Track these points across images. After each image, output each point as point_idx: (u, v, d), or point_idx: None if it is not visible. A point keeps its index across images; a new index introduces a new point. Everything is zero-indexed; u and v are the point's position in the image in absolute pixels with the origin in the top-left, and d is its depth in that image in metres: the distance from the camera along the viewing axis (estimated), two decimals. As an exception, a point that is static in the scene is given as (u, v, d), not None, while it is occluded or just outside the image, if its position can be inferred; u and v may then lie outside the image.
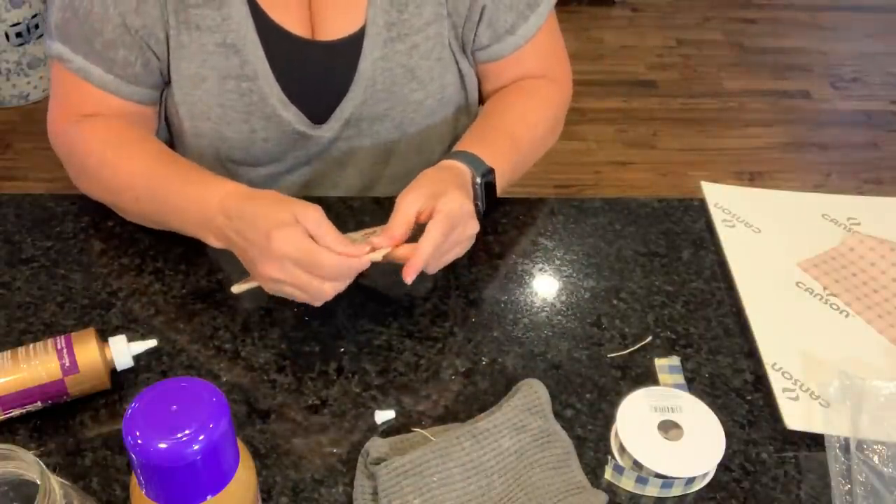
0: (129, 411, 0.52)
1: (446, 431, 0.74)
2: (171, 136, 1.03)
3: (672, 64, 2.87)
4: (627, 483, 0.71)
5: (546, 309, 0.87)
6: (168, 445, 0.51)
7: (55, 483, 0.53)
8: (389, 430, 0.75)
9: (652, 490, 0.71)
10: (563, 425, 0.75)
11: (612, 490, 0.71)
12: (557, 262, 0.93)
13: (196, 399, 0.53)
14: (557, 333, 0.85)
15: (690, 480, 0.71)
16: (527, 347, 0.83)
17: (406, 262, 0.78)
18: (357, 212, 0.97)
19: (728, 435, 0.73)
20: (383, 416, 0.76)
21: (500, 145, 0.94)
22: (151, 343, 0.78)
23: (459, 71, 1.02)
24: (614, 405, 0.76)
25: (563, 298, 0.89)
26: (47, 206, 0.97)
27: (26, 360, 0.73)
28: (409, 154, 1.05)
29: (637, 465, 0.71)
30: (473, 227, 0.83)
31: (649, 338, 0.85)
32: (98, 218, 0.95)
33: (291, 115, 0.97)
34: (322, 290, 0.76)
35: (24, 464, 0.52)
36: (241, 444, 0.58)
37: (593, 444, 0.75)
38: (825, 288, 0.89)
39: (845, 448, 0.73)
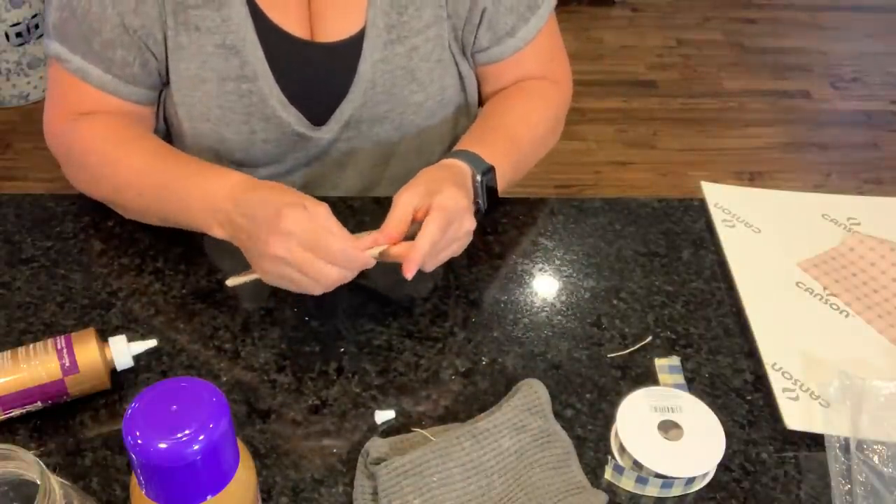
0: (129, 411, 0.52)
1: (446, 431, 0.74)
2: (170, 137, 1.03)
3: (672, 64, 2.87)
4: (627, 483, 0.71)
5: (546, 309, 0.87)
6: (168, 445, 0.51)
7: (55, 483, 0.53)
8: (389, 430, 0.75)
9: (652, 490, 0.71)
10: (563, 425, 0.75)
11: (612, 490, 0.71)
12: (557, 262, 0.93)
13: (196, 399, 0.53)
14: (557, 333, 0.85)
15: (690, 480, 0.71)
16: (527, 347, 0.83)
17: (404, 259, 0.78)
18: (357, 212, 0.97)
19: (728, 435, 0.73)
20: (383, 416, 0.76)
21: (501, 144, 0.94)
22: (151, 343, 0.78)
23: (459, 73, 1.02)
24: (614, 405, 0.76)
25: (563, 298, 0.89)
26: (47, 206, 0.97)
27: (26, 360, 0.73)
28: (408, 156, 1.05)
29: (637, 465, 0.71)
30: (470, 223, 0.82)
31: (649, 338, 0.85)
32: (98, 218, 0.95)
33: (291, 117, 0.97)
34: (326, 274, 0.76)
35: (24, 464, 0.52)
36: (241, 444, 0.58)
37: (593, 444, 0.75)
38: (825, 288, 0.89)
39: (845, 448, 0.73)
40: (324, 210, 0.77)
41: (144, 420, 0.52)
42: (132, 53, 0.91)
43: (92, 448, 0.73)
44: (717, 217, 0.98)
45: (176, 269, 0.90)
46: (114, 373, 0.77)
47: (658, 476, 0.70)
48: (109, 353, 0.76)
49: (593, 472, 0.73)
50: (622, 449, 0.72)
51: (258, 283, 0.80)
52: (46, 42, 0.92)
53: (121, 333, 0.78)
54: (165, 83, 0.96)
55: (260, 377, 0.79)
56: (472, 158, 0.89)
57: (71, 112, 0.93)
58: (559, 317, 0.87)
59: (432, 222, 0.78)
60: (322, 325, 0.84)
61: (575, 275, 0.91)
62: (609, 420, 0.76)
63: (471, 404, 0.78)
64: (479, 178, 0.88)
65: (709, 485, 0.72)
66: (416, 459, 0.69)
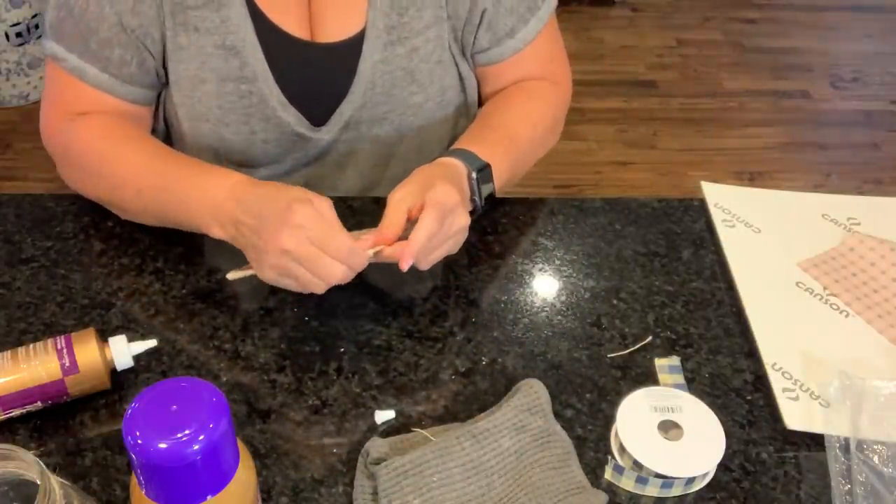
0: (129, 411, 0.52)
1: (446, 431, 0.74)
2: (169, 137, 1.03)
3: (672, 64, 2.87)
4: (627, 483, 0.71)
5: (546, 309, 0.87)
6: (168, 445, 0.51)
7: (55, 483, 0.53)
8: (389, 430, 0.75)
9: (652, 490, 0.71)
10: (563, 425, 0.75)
11: (612, 490, 0.71)
12: (557, 262, 0.93)
13: (196, 399, 0.53)
14: (557, 333, 0.85)
15: (690, 480, 0.71)
16: (527, 347, 0.83)
17: (400, 251, 0.78)
18: (357, 212, 0.97)
19: (728, 435, 0.73)
20: (383, 416, 0.76)
21: (499, 143, 0.94)
22: (151, 343, 0.78)
23: (459, 73, 1.02)
24: (614, 405, 0.76)
25: (563, 298, 0.89)
26: (47, 206, 0.97)
27: (26, 360, 0.73)
28: (408, 156, 1.05)
29: (637, 465, 0.71)
30: (463, 219, 0.82)
31: (649, 338, 0.85)
32: (98, 218, 0.95)
33: (291, 117, 0.97)
34: (331, 272, 0.76)
35: (24, 464, 0.52)
36: (241, 444, 0.58)
37: (593, 444, 0.75)
38: (825, 288, 0.89)
39: (845, 448, 0.73)
40: (328, 204, 0.77)
41: (144, 420, 0.52)
42: (129, 53, 0.91)
43: (92, 448, 0.73)
44: (717, 217, 0.98)
45: (176, 269, 0.90)
46: (114, 373, 0.77)
47: (658, 476, 0.70)
48: (109, 353, 0.76)
49: (593, 472, 0.73)
50: (622, 449, 0.72)
51: (258, 277, 0.80)
52: (44, 41, 0.92)
53: (121, 333, 0.78)
54: (164, 83, 0.96)
55: (260, 377, 0.79)
56: (467, 156, 0.89)
57: (68, 111, 0.93)
58: (559, 317, 0.87)
59: (428, 216, 0.78)
60: (322, 325, 0.84)
61: (575, 275, 0.91)
62: (609, 420, 0.76)
63: (471, 404, 0.78)
64: (474, 175, 0.88)
65: (709, 485, 0.72)
66: (416, 459, 0.69)
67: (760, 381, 0.81)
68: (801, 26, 3.10)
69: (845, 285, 0.89)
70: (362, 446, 0.73)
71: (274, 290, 0.85)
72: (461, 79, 1.03)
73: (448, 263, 0.91)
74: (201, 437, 0.51)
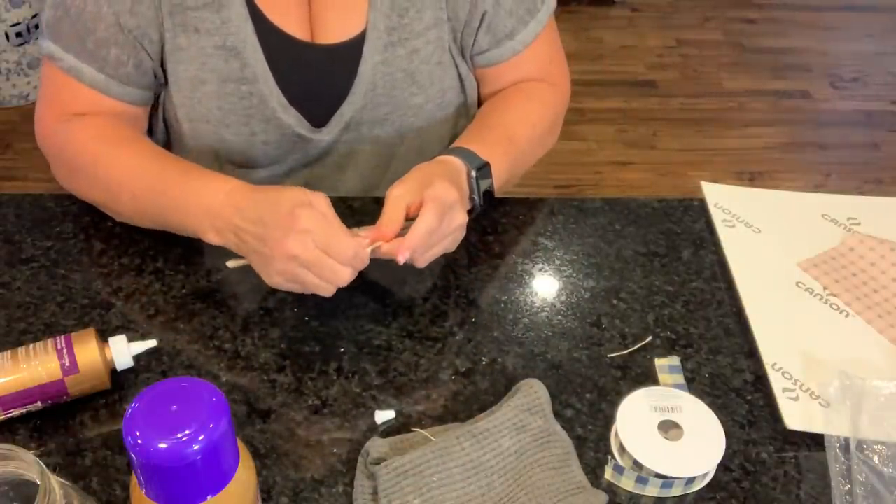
0: (129, 411, 0.52)
1: (446, 431, 0.74)
2: (169, 138, 1.03)
3: (672, 64, 2.87)
4: (627, 483, 0.71)
5: (546, 309, 0.87)
6: (168, 445, 0.51)
7: (55, 483, 0.53)
8: (389, 430, 0.75)
9: (652, 490, 0.71)
10: (563, 425, 0.75)
11: (612, 490, 0.71)
12: (557, 262, 0.93)
13: (196, 399, 0.53)
14: (557, 333, 0.85)
15: (690, 480, 0.71)
16: (527, 347, 0.83)
17: (398, 244, 0.78)
18: (357, 212, 0.97)
19: (728, 435, 0.73)
20: (383, 416, 0.76)
21: (498, 143, 0.94)
22: (151, 343, 0.78)
23: (459, 75, 1.02)
24: (614, 405, 0.76)
25: (563, 298, 0.89)
26: (47, 206, 0.97)
27: (26, 360, 0.73)
28: (409, 157, 1.05)
29: (637, 465, 0.71)
30: (461, 216, 0.82)
31: (649, 338, 0.85)
32: (98, 218, 0.95)
33: (291, 118, 0.96)
34: (340, 275, 0.76)
35: (24, 464, 0.52)
36: (241, 444, 0.58)
37: (593, 444, 0.75)
38: (825, 288, 0.89)
39: (845, 448, 0.73)
40: (327, 202, 0.77)
41: (144, 420, 0.52)
42: (126, 53, 0.91)
43: (92, 448, 0.73)
44: (717, 217, 0.98)
45: (176, 269, 0.90)
46: (114, 373, 0.77)
47: (658, 476, 0.70)
48: (109, 353, 0.76)
49: (593, 472, 0.73)
50: (622, 449, 0.72)
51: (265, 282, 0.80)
52: (40, 40, 0.92)
53: (121, 333, 0.78)
54: (163, 84, 0.96)
55: (260, 377, 0.79)
56: (466, 155, 0.89)
57: (63, 112, 0.93)
58: (559, 317, 0.87)
59: (428, 212, 0.78)
60: (322, 325, 0.84)
61: (575, 275, 0.91)
62: (609, 420, 0.76)
63: (471, 404, 0.78)
64: (473, 173, 0.88)
65: (709, 485, 0.72)
66: (416, 459, 0.69)
67: (760, 381, 0.81)
68: (801, 26, 3.10)
69: (845, 285, 0.89)
70: (362, 446, 0.73)
71: (274, 290, 0.85)
72: (461, 80, 1.03)
73: (448, 263, 0.91)
74: (201, 437, 0.51)
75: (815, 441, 0.75)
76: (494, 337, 0.84)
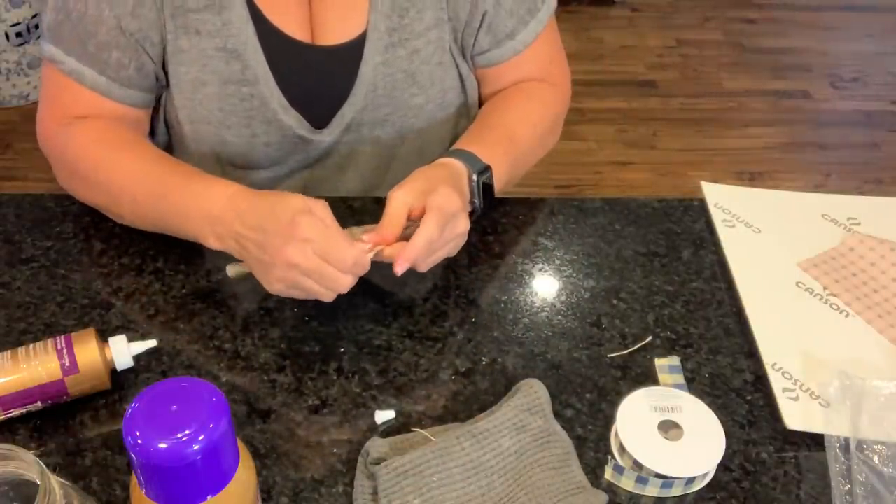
0: (129, 411, 0.52)
1: (446, 431, 0.74)
2: (170, 140, 1.03)
3: (672, 64, 2.87)
4: (627, 483, 0.71)
5: (546, 309, 0.87)
6: (168, 445, 0.51)
7: (55, 483, 0.53)
8: (389, 430, 0.75)
9: (652, 490, 0.71)
10: (563, 425, 0.75)
11: (612, 490, 0.71)
12: (557, 262, 0.93)
13: (196, 399, 0.53)
14: (557, 333, 0.85)
15: (690, 480, 0.71)
16: (527, 347, 0.83)
17: (397, 256, 0.78)
18: (357, 212, 0.97)
19: (728, 435, 0.73)
20: (383, 416, 0.76)
21: (498, 144, 0.94)
22: (151, 343, 0.78)
23: (460, 75, 1.02)
24: (614, 405, 0.76)
25: (563, 298, 0.89)
26: (47, 206, 0.97)
27: (26, 360, 0.73)
28: (409, 158, 1.05)
29: (637, 465, 0.71)
30: (464, 224, 0.82)
31: (649, 338, 0.85)
32: (98, 218, 0.95)
33: (292, 120, 0.96)
34: (341, 283, 0.76)
35: (24, 464, 0.52)
36: (241, 444, 0.58)
37: (593, 444, 0.75)
38: (825, 288, 0.89)
39: (845, 448, 0.73)
40: (327, 209, 0.77)
41: (144, 420, 0.52)
42: (127, 56, 0.91)
43: (92, 448, 0.73)
44: (717, 217, 0.98)
45: (176, 269, 0.90)
46: (114, 373, 0.77)
47: (658, 476, 0.70)
48: (109, 353, 0.76)
49: (593, 472, 0.73)
50: (622, 449, 0.72)
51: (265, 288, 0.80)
52: (42, 43, 0.92)
53: (121, 333, 0.78)
54: (165, 86, 0.96)
55: (260, 377, 0.79)
56: (468, 157, 0.89)
57: (64, 114, 0.93)
58: (559, 317, 0.87)
59: (429, 221, 0.78)
60: (322, 325, 0.84)
61: (575, 275, 0.91)
62: (609, 420, 0.76)
63: (471, 404, 0.78)
64: (474, 177, 0.88)
65: (709, 485, 0.72)
66: (416, 459, 0.69)
67: (760, 381, 0.81)
68: (801, 26, 3.10)
69: (845, 285, 0.89)
70: (362, 446, 0.73)
71: (274, 290, 0.86)
72: (462, 80, 1.03)
73: (448, 263, 0.91)
74: (201, 437, 0.51)
75: (815, 441, 0.75)
76: (494, 337, 0.84)
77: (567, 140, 1.09)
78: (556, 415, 0.76)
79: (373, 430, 0.75)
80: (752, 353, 0.83)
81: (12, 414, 0.73)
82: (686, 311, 0.88)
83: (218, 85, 0.93)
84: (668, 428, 0.73)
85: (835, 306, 0.88)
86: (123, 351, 0.76)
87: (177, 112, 0.96)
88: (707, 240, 0.96)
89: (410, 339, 0.83)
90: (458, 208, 0.81)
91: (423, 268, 0.81)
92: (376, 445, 0.72)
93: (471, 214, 0.88)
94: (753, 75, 2.82)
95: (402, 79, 0.97)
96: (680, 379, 0.80)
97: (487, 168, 0.89)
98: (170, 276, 0.89)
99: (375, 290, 0.88)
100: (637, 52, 2.92)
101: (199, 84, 0.93)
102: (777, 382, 0.79)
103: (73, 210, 0.96)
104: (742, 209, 0.98)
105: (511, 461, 0.71)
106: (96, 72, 0.91)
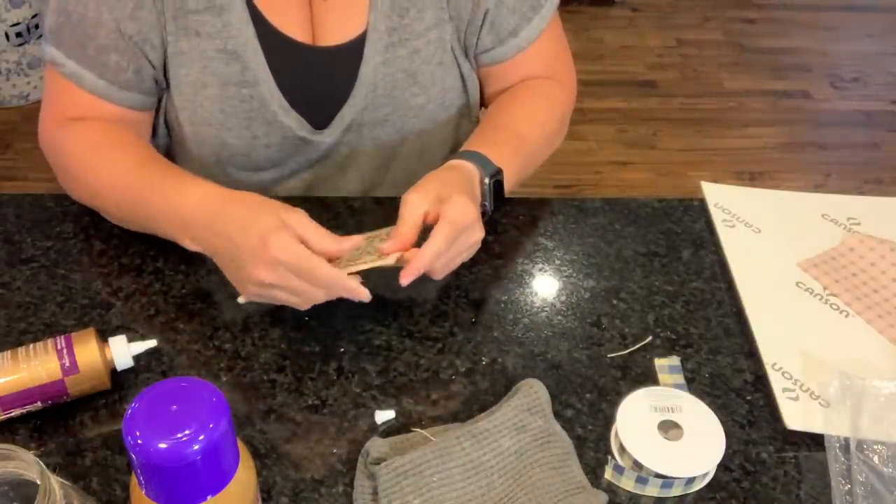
0: (129, 411, 0.53)
1: (446, 431, 0.74)
2: (171, 142, 1.03)
3: (672, 64, 2.87)
4: (627, 483, 0.71)
5: (546, 309, 0.87)
6: (168, 445, 0.51)
7: (55, 483, 0.53)
8: (389, 430, 0.75)
9: (652, 490, 0.71)
10: (563, 425, 0.75)
11: (612, 490, 0.71)
12: (557, 262, 0.93)
13: (196, 399, 0.53)
14: (557, 333, 0.85)
15: (690, 480, 0.71)
16: (527, 347, 0.83)
17: (405, 266, 0.77)
18: (357, 212, 0.97)
19: (728, 435, 0.73)
20: (383, 416, 0.76)
21: (508, 145, 0.94)
22: (151, 343, 0.78)
23: (461, 75, 1.02)
24: (614, 405, 0.76)
25: (563, 298, 0.89)
26: (47, 206, 0.97)
27: (26, 360, 0.73)
28: (410, 158, 1.05)
29: (637, 465, 0.71)
30: (479, 233, 0.82)
31: (649, 338, 0.85)
32: (98, 218, 0.95)
33: (292, 121, 0.96)
34: (315, 295, 0.76)
35: (24, 464, 0.52)
36: (241, 444, 0.58)
37: (593, 444, 0.75)
38: (825, 288, 0.89)
39: (845, 448, 0.73)
40: (302, 217, 0.76)
41: (144, 420, 0.52)
42: (126, 59, 0.90)
43: (92, 448, 0.73)
44: (717, 217, 0.98)
45: (176, 269, 0.90)
46: (114, 373, 0.77)
47: (658, 476, 0.70)
48: (109, 353, 0.76)
49: (593, 472, 0.73)
50: (622, 449, 0.72)
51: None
52: (43, 45, 0.92)
53: (121, 333, 0.78)
54: (165, 88, 0.96)
55: (260, 377, 0.79)
56: (480, 160, 0.88)
57: (64, 116, 0.93)
58: (559, 317, 0.87)
59: (440, 234, 0.77)
60: (322, 325, 0.84)
61: (575, 275, 0.91)
62: (609, 420, 0.76)
63: (471, 404, 0.78)
64: (486, 180, 0.88)
65: (709, 485, 0.72)
66: (416, 459, 0.69)
67: (760, 381, 0.81)
68: (801, 26, 3.10)
69: (845, 285, 0.89)
70: (362, 446, 0.73)
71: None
72: (463, 80, 1.02)
73: (448, 263, 0.90)
74: (201, 437, 0.51)
75: (815, 441, 0.75)
76: (494, 337, 0.84)
77: (567, 140, 1.09)
78: (556, 415, 0.76)
79: (373, 430, 0.75)
80: (752, 353, 0.83)
81: (12, 414, 0.73)
82: (686, 311, 0.88)
83: (218, 87, 0.93)
84: (668, 428, 0.73)
85: (835, 306, 0.88)
86: (123, 351, 0.76)
87: (177, 114, 0.96)
88: (707, 240, 0.96)
89: (410, 339, 0.83)
90: (473, 219, 0.80)
91: (439, 276, 0.81)
92: (376, 445, 0.72)
93: (482, 216, 0.88)
94: (753, 75, 2.82)
95: (402, 79, 0.97)
96: (680, 379, 0.80)
97: (499, 171, 0.89)
98: (170, 276, 0.89)
99: (375, 289, 0.88)
100: (637, 52, 2.92)
101: (200, 86, 0.93)
102: (777, 382, 0.79)
103: (73, 210, 0.96)
104: (742, 209, 0.98)
105: (511, 461, 0.71)
106: (96, 75, 0.91)
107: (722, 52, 2.94)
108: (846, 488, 0.71)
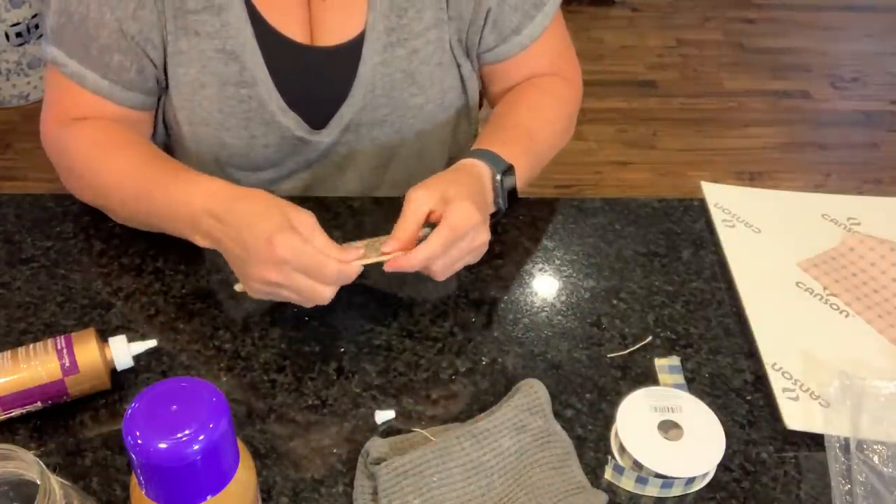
0: (129, 411, 0.53)
1: (446, 431, 0.74)
2: (169, 142, 1.03)
3: (672, 64, 2.87)
4: (627, 483, 0.71)
5: (546, 309, 0.87)
6: (168, 445, 0.51)
7: (55, 483, 0.53)
8: (389, 430, 0.75)
9: (652, 490, 0.71)
10: (563, 425, 0.75)
11: (612, 490, 0.71)
12: (557, 262, 0.93)
13: (196, 399, 0.53)
14: (557, 333, 0.85)
15: (690, 480, 0.71)
16: (527, 347, 0.83)
17: (394, 258, 0.77)
18: (357, 212, 0.97)
19: (728, 435, 0.73)
20: (383, 416, 0.76)
21: (519, 143, 0.93)
22: (151, 343, 0.78)
23: (460, 75, 1.02)
24: (614, 405, 0.76)
25: (563, 298, 0.89)
26: (47, 206, 0.97)
27: (26, 360, 0.73)
28: (409, 159, 1.05)
29: (637, 465, 0.71)
30: (484, 235, 0.81)
31: (649, 338, 0.85)
32: (98, 218, 0.95)
33: (291, 121, 0.96)
34: (321, 294, 0.76)
35: (24, 464, 0.52)
36: (241, 444, 0.58)
37: (593, 444, 0.75)
38: (825, 288, 0.89)
39: (845, 448, 0.73)
40: (310, 220, 0.76)
41: (144, 420, 0.52)
42: (129, 59, 0.91)
43: (92, 448, 0.73)
44: (717, 217, 0.98)
45: (176, 269, 0.90)
46: (114, 373, 0.77)
47: (658, 476, 0.70)
48: (109, 353, 0.76)
49: (593, 472, 0.73)
50: (622, 449, 0.72)
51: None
52: (44, 46, 0.92)
53: (121, 333, 0.78)
54: (164, 88, 0.96)
55: (260, 377, 0.79)
56: (491, 158, 0.88)
57: (66, 116, 0.93)
58: (559, 317, 0.87)
59: (436, 238, 0.77)
60: (322, 325, 0.84)
61: (575, 275, 0.91)
62: (609, 420, 0.76)
63: (471, 404, 0.78)
64: (499, 178, 0.87)
65: (709, 485, 0.72)
66: (416, 459, 0.69)
67: (760, 381, 0.81)
68: (801, 26, 3.10)
69: (845, 285, 0.89)
70: (362, 446, 0.73)
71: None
72: (462, 80, 1.02)
73: (448, 263, 0.90)
74: (201, 437, 0.51)
75: (815, 441, 0.75)
76: (494, 337, 0.84)
77: (567, 140, 1.09)
78: (556, 415, 0.76)
79: (373, 430, 0.75)
80: (752, 353, 0.83)
81: (12, 414, 0.73)
82: (686, 311, 0.88)
83: (217, 86, 0.93)
84: (668, 428, 0.73)
85: (835, 306, 0.88)
86: (123, 351, 0.76)
87: (176, 113, 0.96)
88: (707, 240, 0.96)
89: (410, 339, 0.83)
90: (476, 224, 0.79)
91: (440, 277, 0.80)
92: (376, 445, 0.72)
93: (495, 215, 0.88)
94: (753, 75, 2.82)
95: (400, 79, 0.97)
96: (680, 379, 0.80)
97: (511, 168, 0.88)
98: (170, 276, 0.89)
99: (375, 290, 0.88)
100: (637, 52, 2.92)
101: (198, 86, 0.93)
102: (777, 382, 0.79)
103: (73, 210, 0.96)
104: (742, 209, 0.98)
105: (511, 461, 0.71)
106: (98, 75, 0.91)
107: (722, 52, 2.94)
108: (846, 488, 0.71)
